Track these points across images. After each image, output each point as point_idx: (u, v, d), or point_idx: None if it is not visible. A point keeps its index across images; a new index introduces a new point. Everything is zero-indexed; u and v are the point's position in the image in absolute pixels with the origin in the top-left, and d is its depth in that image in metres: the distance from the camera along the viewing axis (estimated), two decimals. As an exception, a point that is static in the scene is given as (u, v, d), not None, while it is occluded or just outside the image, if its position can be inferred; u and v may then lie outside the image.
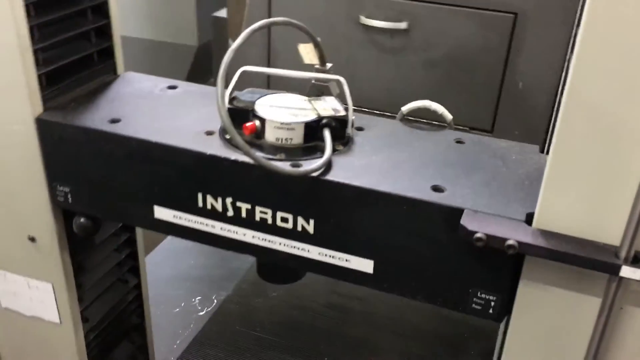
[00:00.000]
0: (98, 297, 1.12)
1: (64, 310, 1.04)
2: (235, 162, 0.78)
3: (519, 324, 0.73)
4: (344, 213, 0.75)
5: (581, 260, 0.63)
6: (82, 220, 0.93)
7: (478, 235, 0.65)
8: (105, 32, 0.96)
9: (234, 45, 0.74)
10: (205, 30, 2.59)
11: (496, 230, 0.65)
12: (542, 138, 1.72)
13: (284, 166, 0.75)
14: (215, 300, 1.59)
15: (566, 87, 0.61)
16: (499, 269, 0.71)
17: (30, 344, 1.11)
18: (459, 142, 0.84)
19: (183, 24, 2.57)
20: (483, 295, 0.73)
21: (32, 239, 0.98)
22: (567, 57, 1.64)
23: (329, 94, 0.87)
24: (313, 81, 0.88)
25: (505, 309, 0.73)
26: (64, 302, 1.03)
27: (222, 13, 2.44)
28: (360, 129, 0.86)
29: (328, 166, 0.76)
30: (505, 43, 1.83)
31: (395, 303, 1.60)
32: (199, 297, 1.60)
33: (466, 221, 0.67)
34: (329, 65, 0.89)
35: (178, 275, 1.69)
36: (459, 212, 0.69)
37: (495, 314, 0.74)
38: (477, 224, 0.66)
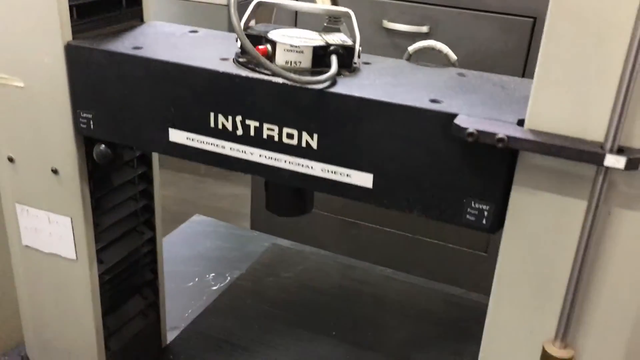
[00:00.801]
0: (113, 241, 1.16)
1: (80, 246, 1.09)
2: (246, 78, 0.83)
3: (512, 234, 0.75)
4: (346, 125, 0.79)
5: (568, 152, 0.65)
6: (102, 147, 0.99)
7: (469, 130, 0.68)
8: (134, -22, 1.04)
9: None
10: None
11: (487, 127, 0.68)
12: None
13: (292, 74, 0.79)
14: (228, 278, 1.62)
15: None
16: (492, 176, 0.73)
17: (47, 281, 1.15)
18: (460, 75, 0.88)
19: None
20: (477, 205, 0.75)
21: (55, 171, 1.03)
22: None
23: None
24: (326, 24, 0.93)
25: (498, 220, 0.75)
26: (81, 237, 1.08)
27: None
28: (367, 63, 0.91)
29: (333, 83, 0.81)
30: (525, 47, 1.88)
31: (405, 288, 1.61)
32: (212, 274, 1.63)
33: (459, 120, 0.70)
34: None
35: (194, 255, 1.72)
36: (453, 116, 0.72)
37: (489, 225, 0.76)
38: (469, 123, 0.69)
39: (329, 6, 0.90)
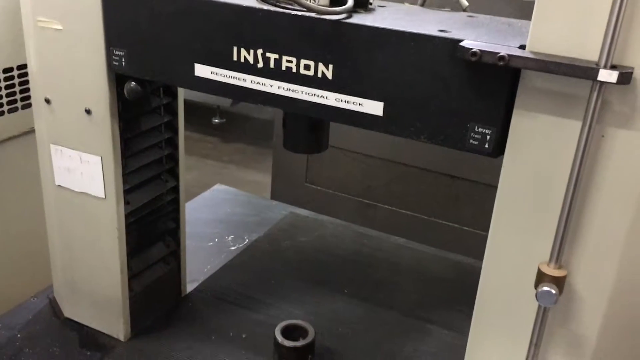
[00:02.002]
0: (140, 184, 1.23)
1: (109, 185, 1.15)
2: (267, 11, 0.88)
3: (512, 157, 0.79)
4: (360, 55, 0.84)
5: (565, 68, 0.69)
6: (132, 84, 1.05)
7: (473, 50, 0.73)
8: None
9: None
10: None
11: (490, 48, 0.73)
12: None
13: (313, 4, 0.85)
14: (247, 240, 1.68)
15: None
16: (494, 99, 0.78)
17: (77, 220, 1.22)
18: (470, 16, 0.93)
19: None
20: (480, 129, 0.80)
21: (88, 111, 1.10)
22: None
23: None
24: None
25: (499, 145, 0.80)
26: (110, 177, 1.14)
27: None
28: (382, 6, 0.96)
29: (349, 17, 0.86)
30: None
31: (417, 255, 1.65)
32: (231, 236, 1.69)
33: (464, 43, 0.75)
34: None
35: (215, 219, 1.78)
36: (459, 42, 0.77)
37: (491, 148, 0.80)
38: (473, 45, 0.74)
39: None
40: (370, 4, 0.92)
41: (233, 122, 4.11)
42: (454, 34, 0.80)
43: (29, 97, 1.51)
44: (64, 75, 1.10)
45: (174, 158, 1.30)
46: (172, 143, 1.28)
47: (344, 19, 0.85)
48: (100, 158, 1.13)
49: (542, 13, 0.72)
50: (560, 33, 0.72)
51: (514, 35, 0.82)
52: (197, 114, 3.69)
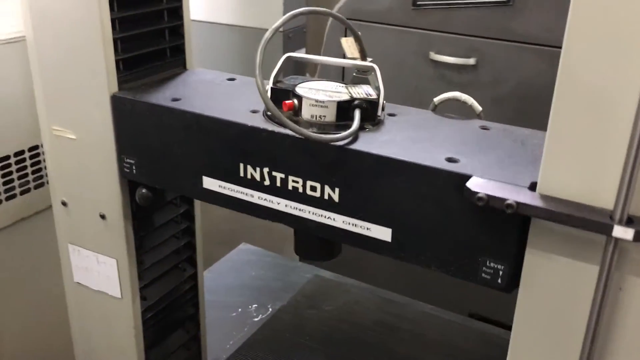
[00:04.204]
0: (156, 278, 1.22)
1: (125, 285, 1.15)
2: (272, 133, 0.87)
3: (526, 295, 0.75)
4: (366, 181, 0.82)
5: (577, 221, 0.65)
6: (143, 190, 1.05)
7: (479, 194, 0.69)
8: (178, 31, 1.10)
9: (274, 25, 0.85)
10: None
11: (497, 192, 0.69)
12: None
13: (312, 133, 0.83)
14: (270, 309, 1.66)
15: (559, 67, 0.65)
16: (506, 237, 0.74)
17: (95, 316, 1.22)
18: (484, 128, 0.89)
19: (271, 10, 2.64)
20: (492, 264, 0.76)
21: (103, 216, 1.10)
22: None
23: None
24: (354, 74, 0.96)
25: (513, 280, 0.76)
26: (125, 277, 1.14)
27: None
28: (392, 115, 0.93)
29: (354, 139, 0.84)
30: (574, 80, 1.84)
31: (444, 326, 1.61)
32: (255, 305, 1.67)
33: (471, 184, 0.71)
34: (369, 59, 0.97)
35: (238, 284, 1.77)
36: (467, 178, 0.73)
37: (504, 284, 0.76)
38: (480, 187, 0.71)
39: (355, 61, 0.94)
40: (379, 115, 0.89)
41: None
42: (462, 165, 0.77)
43: (41, 177, 1.53)
44: (79, 181, 1.10)
45: (191, 246, 1.29)
46: (189, 231, 1.28)
47: (348, 144, 0.82)
48: (115, 261, 1.13)
49: (553, 156, 0.68)
50: (572, 178, 0.68)
51: (526, 162, 0.78)
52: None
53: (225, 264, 1.87)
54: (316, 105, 0.87)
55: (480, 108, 0.94)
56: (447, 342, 1.55)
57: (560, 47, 0.65)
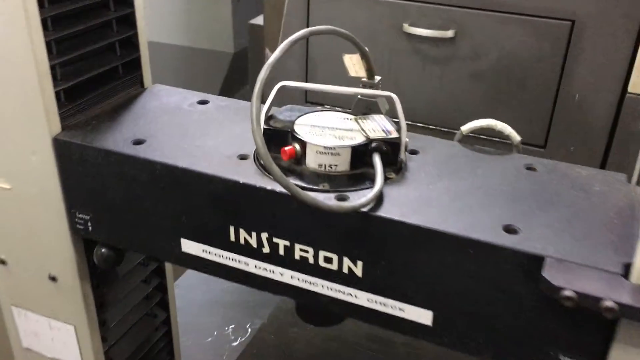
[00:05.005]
0: (124, 335, 1.03)
1: (86, 352, 0.96)
2: (272, 192, 0.68)
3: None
4: (398, 255, 0.64)
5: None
6: (103, 250, 0.84)
7: (566, 293, 0.53)
8: (131, 42, 0.88)
9: (271, 59, 0.65)
10: (242, 36, 2.52)
11: (589, 288, 0.53)
12: (600, 155, 1.59)
13: (328, 200, 0.65)
14: (249, 329, 1.49)
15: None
16: (587, 330, 0.59)
17: (51, 384, 1.03)
18: (529, 168, 0.73)
19: (219, 31, 2.51)
20: (566, 359, 0.61)
21: (53, 279, 0.90)
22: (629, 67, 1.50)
23: (377, 110, 0.77)
24: (359, 96, 0.78)
25: (592, 374, 0.61)
26: (86, 343, 0.95)
27: (259, 20, 2.37)
28: (414, 152, 0.76)
29: (379, 199, 0.66)
30: (561, 53, 1.69)
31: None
32: (232, 326, 1.50)
33: (550, 273, 0.55)
34: (377, 78, 0.79)
35: (211, 300, 1.59)
36: (538, 259, 0.57)
37: (581, 380, 0.62)
38: (563, 278, 0.54)
39: (367, 91, 0.75)
40: (401, 159, 0.71)
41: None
42: (526, 237, 0.60)
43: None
44: (20, 237, 0.89)
45: (162, 288, 1.10)
46: (159, 271, 1.08)
47: (370, 210, 0.64)
48: (73, 327, 0.93)
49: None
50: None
51: (603, 229, 0.62)
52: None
53: (193, 277, 1.68)
54: (325, 153, 0.69)
55: (518, 138, 0.77)
56: (444, 357, 1.42)
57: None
